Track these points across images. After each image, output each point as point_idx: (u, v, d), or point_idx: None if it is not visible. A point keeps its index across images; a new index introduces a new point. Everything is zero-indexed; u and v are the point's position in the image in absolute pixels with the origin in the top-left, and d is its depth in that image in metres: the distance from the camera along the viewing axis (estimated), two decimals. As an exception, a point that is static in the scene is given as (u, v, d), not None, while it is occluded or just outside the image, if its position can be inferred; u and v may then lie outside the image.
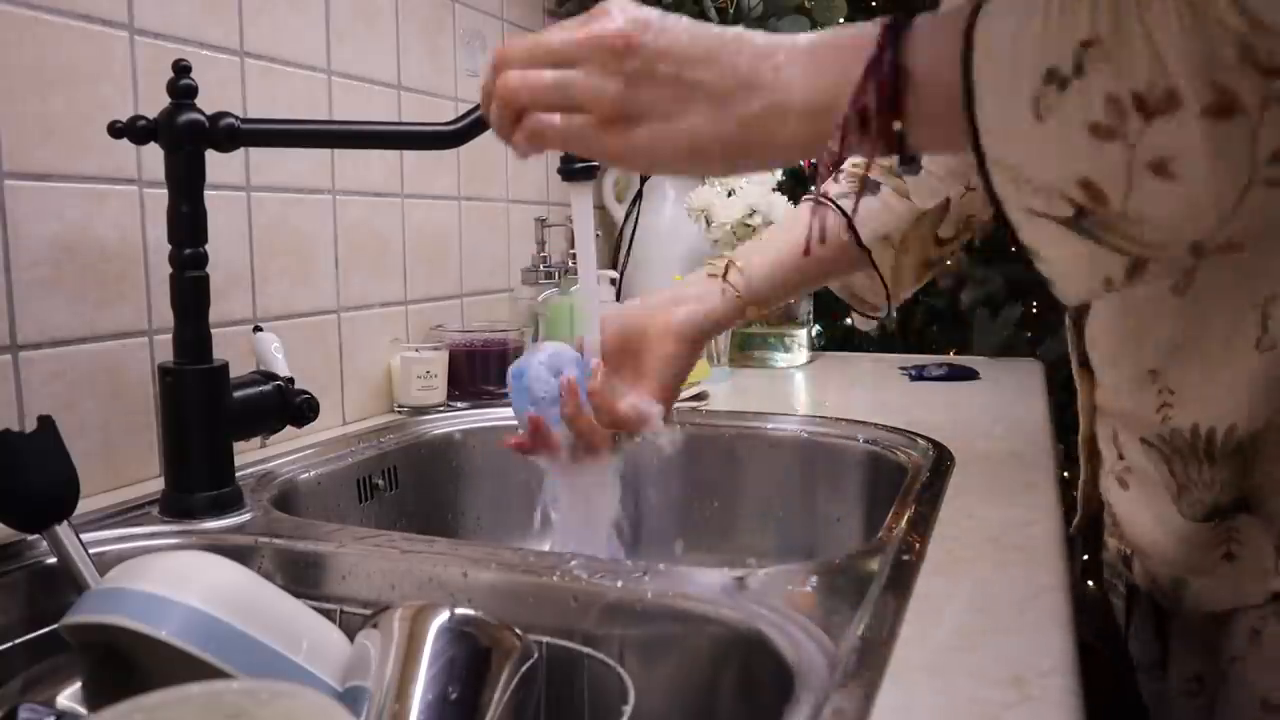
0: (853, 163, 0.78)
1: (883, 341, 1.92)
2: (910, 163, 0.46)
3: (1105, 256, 0.41)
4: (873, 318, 0.89)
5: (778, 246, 0.80)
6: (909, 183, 0.80)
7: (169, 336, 0.79)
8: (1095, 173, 0.39)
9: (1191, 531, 0.61)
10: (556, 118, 0.49)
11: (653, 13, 0.48)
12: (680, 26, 0.48)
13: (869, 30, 0.45)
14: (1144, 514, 0.65)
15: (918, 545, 0.67)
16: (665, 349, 0.75)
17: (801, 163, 2.39)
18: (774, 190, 1.46)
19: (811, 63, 0.47)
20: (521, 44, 0.50)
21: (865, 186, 0.78)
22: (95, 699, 0.56)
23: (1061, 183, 0.40)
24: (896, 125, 0.43)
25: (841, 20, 1.66)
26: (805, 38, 0.48)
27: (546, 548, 1.04)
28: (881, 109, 0.43)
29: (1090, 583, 0.81)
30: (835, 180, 0.79)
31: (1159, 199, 0.39)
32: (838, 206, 0.79)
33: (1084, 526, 0.78)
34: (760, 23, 1.56)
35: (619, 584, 0.62)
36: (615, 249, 1.67)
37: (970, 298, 1.89)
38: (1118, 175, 0.38)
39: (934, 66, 0.43)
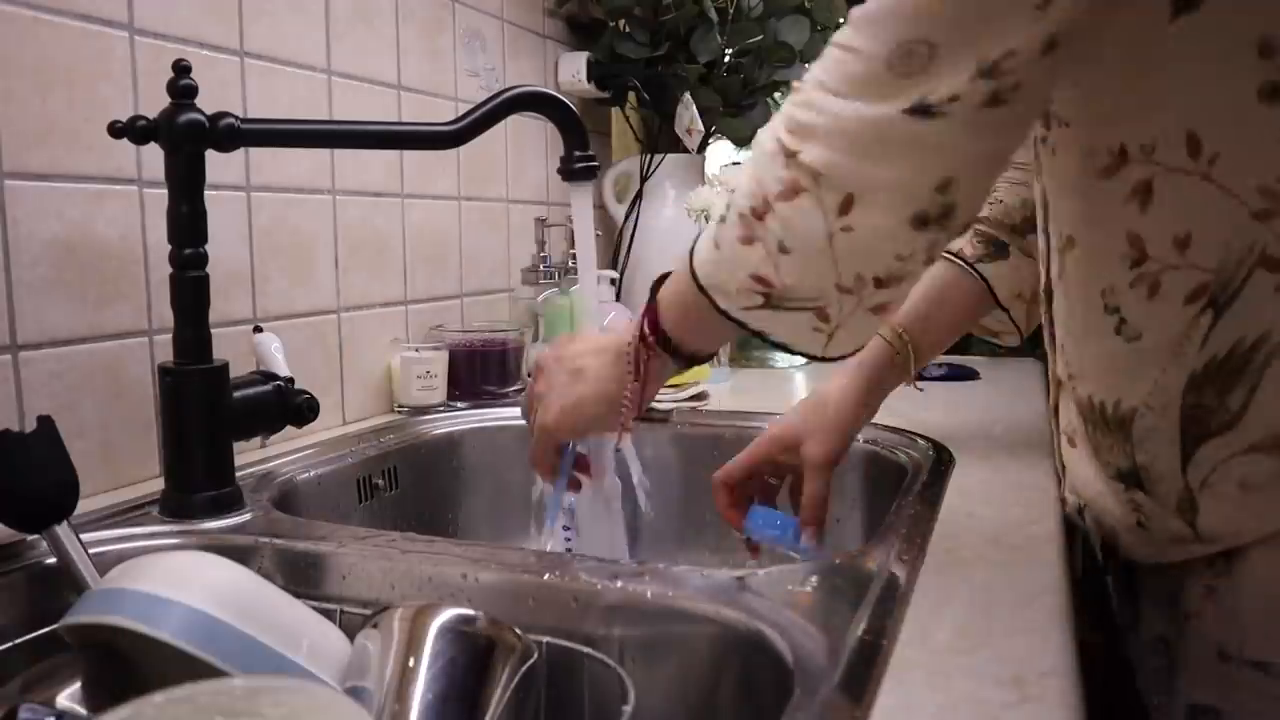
0: (978, 226, 0.91)
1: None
2: (686, 361, 0.67)
3: (799, 316, 0.57)
4: (999, 345, 1.01)
5: (936, 322, 0.90)
6: (1030, 240, 0.89)
7: (169, 336, 0.79)
8: (756, 268, 0.56)
9: (1112, 488, 0.67)
10: (531, 446, 0.75)
11: (564, 342, 0.74)
12: (574, 345, 0.73)
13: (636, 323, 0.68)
14: (1085, 468, 0.71)
15: (918, 545, 0.67)
16: (817, 482, 0.82)
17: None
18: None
19: (624, 331, 0.69)
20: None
21: (996, 250, 0.90)
22: (95, 699, 0.56)
23: (745, 283, 0.57)
24: (656, 338, 0.66)
25: (841, 20, 1.66)
26: (606, 342, 0.71)
27: (547, 548, 1.04)
28: (651, 332, 0.66)
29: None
30: (971, 244, 0.91)
31: (793, 268, 0.55)
32: (980, 274, 0.90)
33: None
34: (760, 23, 1.56)
35: (619, 584, 0.62)
36: (615, 249, 1.67)
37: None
38: (767, 263, 0.56)
39: (671, 291, 0.65)
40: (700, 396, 1.20)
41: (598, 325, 0.80)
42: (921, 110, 0.50)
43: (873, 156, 0.51)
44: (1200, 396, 0.58)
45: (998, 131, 0.52)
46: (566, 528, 0.89)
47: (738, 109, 1.62)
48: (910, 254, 0.54)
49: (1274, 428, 0.57)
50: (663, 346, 0.66)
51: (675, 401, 1.16)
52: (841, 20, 1.70)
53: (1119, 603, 0.77)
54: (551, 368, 0.73)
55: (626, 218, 1.66)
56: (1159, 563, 0.67)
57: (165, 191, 0.77)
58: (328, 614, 0.62)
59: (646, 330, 0.66)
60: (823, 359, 0.61)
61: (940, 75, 0.49)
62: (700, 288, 0.59)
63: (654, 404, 1.14)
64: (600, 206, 1.70)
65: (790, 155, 0.53)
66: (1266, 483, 0.57)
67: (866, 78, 0.50)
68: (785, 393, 1.35)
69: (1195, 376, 0.58)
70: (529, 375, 1.25)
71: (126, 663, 0.53)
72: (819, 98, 0.52)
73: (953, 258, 0.90)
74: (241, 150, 0.95)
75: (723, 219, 0.58)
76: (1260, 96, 0.53)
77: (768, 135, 0.55)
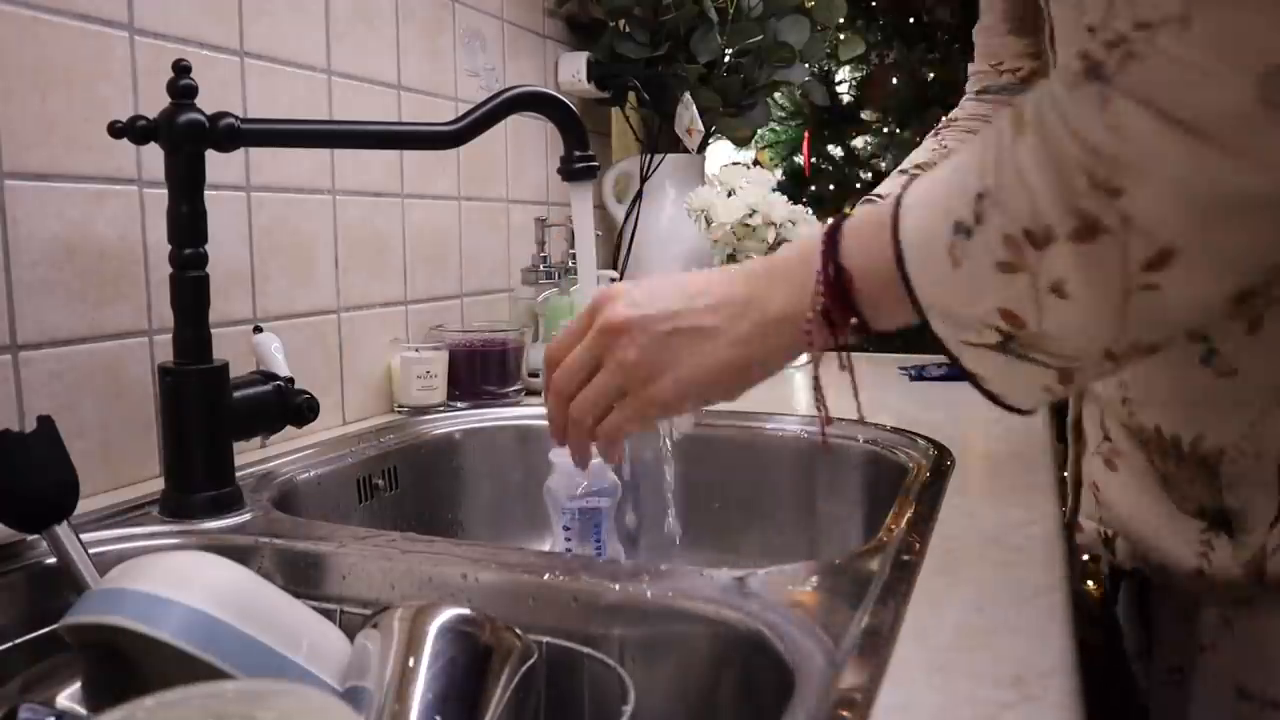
0: (913, 170, 0.83)
1: (882, 341, 1.92)
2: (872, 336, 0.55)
3: (1037, 371, 0.47)
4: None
5: None
6: None
7: (169, 336, 0.79)
8: (1009, 302, 0.45)
9: (1183, 525, 0.62)
10: (613, 421, 0.59)
11: (634, 290, 0.58)
12: (659, 292, 0.58)
13: (812, 244, 0.53)
14: (1136, 496, 0.66)
15: (918, 545, 0.67)
16: None
17: (801, 163, 2.35)
18: (773, 190, 1.46)
19: (772, 283, 0.55)
20: (558, 373, 0.60)
21: None
22: (95, 699, 0.56)
23: (986, 315, 0.46)
24: (853, 320, 0.52)
25: (841, 20, 1.66)
26: (760, 263, 0.57)
27: (547, 548, 1.04)
28: (837, 308, 0.52)
29: (1090, 583, 0.81)
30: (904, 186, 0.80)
31: (1064, 316, 0.44)
32: None
33: (1075, 510, 0.79)
34: (760, 23, 1.56)
35: (619, 584, 0.62)
36: (615, 249, 1.67)
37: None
38: (1027, 300, 0.44)
39: (865, 260, 0.51)
40: (700, 396, 1.20)
41: None
42: None
43: (1220, 222, 0.39)
44: None
45: None
46: (566, 528, 0.89)
47: (738, 109, 1.63)
48: (1203, 326, 0.47)
49: None
50: (855, 329, 0.53)
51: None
52: (841, 20, 1.70)
53: (1130, 629, 0.75)
54: (648, 326, 0.57)
55: (626, 218, 1.66)
56: (1175, 590, 0.64)
57: (165, 191, 0.77)
58: (328, 614, 0.62)
59: (831, 307, 0.52)
60: (1011, 409, 0.50)
61: None
62: (916, 305, 0.48)
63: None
64: (600, 206, 1.70)
65: (1103, 189, 0.40)
66: None
67: (1228, 114, 0.37)
68: (785, 393, 1.35)
69: None
70: (532, 374, 1.26)
71: (126, 663, 0.53)
72: (1153, 128, 0.39)
73: (879, 200, 0.78)
74: (241, 150, 0.95)
75: (966, 230, 0.45)
76: None
77: (1069, 147, 0.41)
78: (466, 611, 0.55)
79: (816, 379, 0.58)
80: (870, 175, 2.38)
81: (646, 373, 0.57)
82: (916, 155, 0.93)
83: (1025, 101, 0.45)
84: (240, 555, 0.67)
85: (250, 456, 0.93)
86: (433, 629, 0.53)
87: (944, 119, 0.96)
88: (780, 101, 2.19)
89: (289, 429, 0.89)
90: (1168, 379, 0.59)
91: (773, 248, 1.48)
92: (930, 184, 0.50)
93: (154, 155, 0.78)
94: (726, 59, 1.60)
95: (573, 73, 1.54)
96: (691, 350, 0.56)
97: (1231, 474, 0.57)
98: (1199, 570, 0.61)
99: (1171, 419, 0.60)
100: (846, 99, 2.24)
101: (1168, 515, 0.63)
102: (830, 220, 0.54)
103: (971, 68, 0.96)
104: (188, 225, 0.77)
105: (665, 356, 0.56)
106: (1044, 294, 0.44)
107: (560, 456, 0.90)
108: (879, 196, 0.83)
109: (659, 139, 1.66)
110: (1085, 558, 0.80)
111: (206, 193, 0.78)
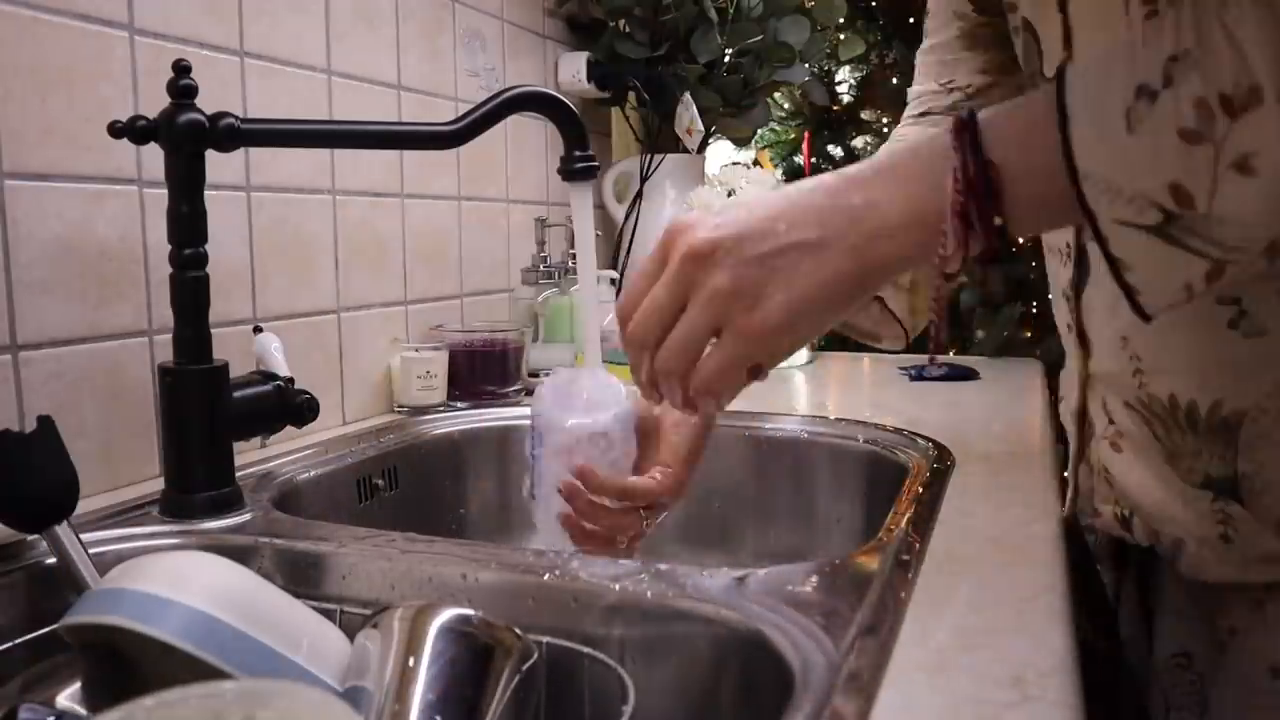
0: None
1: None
2: (995, 256, 0.49)
3: (1187, 262, 0.44)
4: (887, 350, 0.90)
5: None
6: None
7: (169, 336, 0.79)
8: (1183, 176, 0.42)
9: (1192, 496, 0.63)
10: (710, 367, 0.52)
11: (713, 215, 0.51)
12: (746, 210, 0.51)
13: (933, 144, 0.48)
14: (1142, 473, 0.67)
15: (918, 545, 0.67)
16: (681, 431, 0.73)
17: (801, 163, 2.35)
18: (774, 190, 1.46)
19: (890, 185, 0.49)
20: (635, 321, 0.52)
21: None
22: (95, 699, 0.56)
23: (1152, 189, 0.43)
24: (998, 220, 0.47)
25: (841, 20, 1.67)
26: (865, 166, 0.51)
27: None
28: (982, 209, 0.46)
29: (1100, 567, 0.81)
30: None
31: (1241, 197, 0.42)
32: None
33: (1074, 508, 0.79)
34: (760, 23, 1.56)
35: (619, 584, 0.62)
36: (615, 249, 1.67)
37: (970, 298, 1.89)
38: (1203, 176, 0.42)
39: (1020, 154, 0.47)
40: (700, 396, 1.19)
41: (598, 326, 0.79)
42: None
43: None
44: None
45: None
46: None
47: (738, 109, 1.63)
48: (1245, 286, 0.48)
49: None
50: (991, 237, 0.47)
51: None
52: (841, 20, 1.70)
53: (1126, 617, 0.75)
54: (742, 247, 0.49)
55: (626, 218, 1.66)
56: (1192, 568, 0.65)
57: (165, 191, 0.77)
58: (328, 614, 0.62)
59: (970, 204, 0.46)
60: (1138, 310, 0.47)
61: None
62: (1074, 172, 0.45)
63: (654, 404, 1.14)
64: (600, 206, 1.70)
65: None
66: None
67: None
68: (785, 393, 1.35)
69: None
70: (532, 374, 1.25)
71: (126, 663, 0.53)
72: None
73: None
74: (241, 150, 0.95)
75: (1151, 94, 0.42)
76: None
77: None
78: (466, 611, 0.55)
79: (938, 290, 0.52)
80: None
81: (749, 300, 0.49)
82: None
83: None
84: (240, 555, 0.67)
85: (250, 456, 0.93)
86: (433, 629, 0.53)
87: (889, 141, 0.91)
88: (780, 101, 2.19)
89: (289, 429, 0.89)
90: (1188, 345, 0.58)
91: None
92: (1103, 54, 0.46)
93: (154, 155, 0.78)
94: (726, 59, 1.60)
95: (573, 73, 1.54)
96: (797, 267, 0.48)
97: (1250, 435, 0.57)
98: (1223, 537, 0.60)
99: (1188, 385, 0.59)
100: (846, 99, 2.24)
101: (1177, 490, 0.63)
102: (953, 118, 0.48)
103: (913, 91, 0.90)
104: (188, 225, 0.77)
105: (767, 277, 0.48)
106: (1224, 169, 0.41)
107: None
108: None
109: (659, 139, 1.65)
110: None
111: (206, 193, 0.78)
